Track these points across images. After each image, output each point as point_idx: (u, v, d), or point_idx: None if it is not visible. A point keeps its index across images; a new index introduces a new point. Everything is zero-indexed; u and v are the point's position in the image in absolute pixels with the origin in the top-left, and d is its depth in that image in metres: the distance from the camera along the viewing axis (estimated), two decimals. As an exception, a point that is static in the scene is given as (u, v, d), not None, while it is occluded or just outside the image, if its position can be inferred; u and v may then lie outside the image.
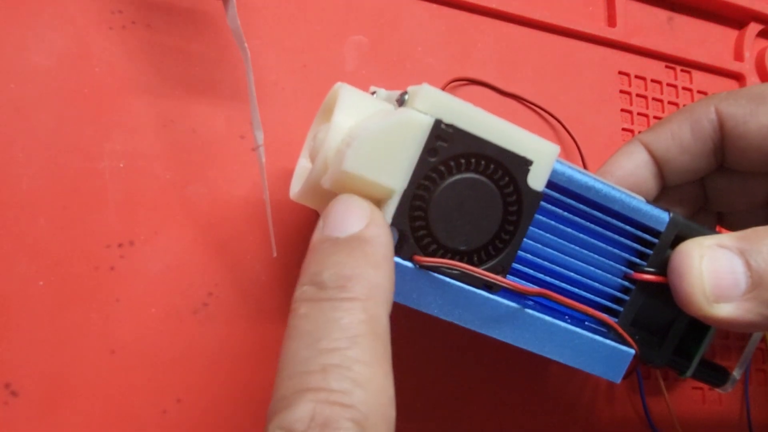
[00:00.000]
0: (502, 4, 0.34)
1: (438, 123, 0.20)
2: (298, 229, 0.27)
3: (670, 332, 0.25)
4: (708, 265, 0.21)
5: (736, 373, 0.27)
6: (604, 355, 0.23)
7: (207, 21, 0.28)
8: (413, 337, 0.28)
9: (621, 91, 0.36)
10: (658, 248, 0.24)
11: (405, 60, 0.32)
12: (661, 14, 0.39)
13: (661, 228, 0.24)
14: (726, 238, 0.21)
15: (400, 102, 0.21)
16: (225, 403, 0.25)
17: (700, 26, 0.40)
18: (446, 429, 0.29)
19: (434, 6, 0.33)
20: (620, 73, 0.37)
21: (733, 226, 0.30)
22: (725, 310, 0.20)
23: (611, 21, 0.37)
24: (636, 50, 0.37)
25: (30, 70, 0.25)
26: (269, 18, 0.29)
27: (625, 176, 0.27)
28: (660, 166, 0.28)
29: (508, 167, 0.20)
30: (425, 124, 0.20)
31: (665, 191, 0.29)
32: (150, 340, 0.24)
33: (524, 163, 0.21)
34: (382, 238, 0.18)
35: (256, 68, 0.28)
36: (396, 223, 0.20)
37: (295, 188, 0.24)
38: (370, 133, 0.19)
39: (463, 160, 0.20)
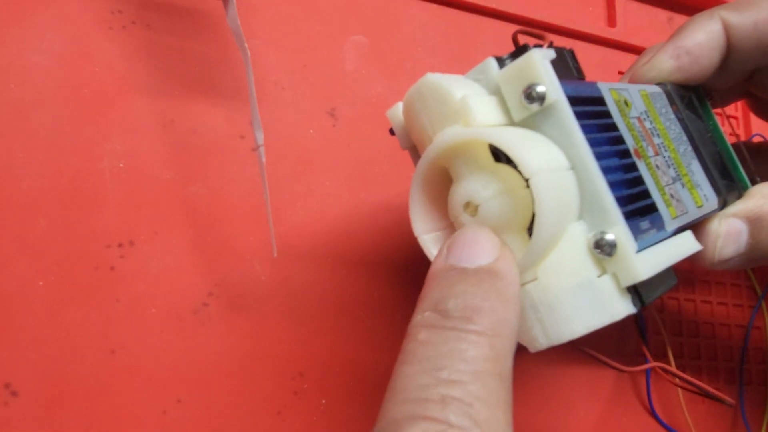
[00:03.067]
0: (502, 4, 0.34)
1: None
2: (298, 229, 0.27)
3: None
4: (724, 229, 0.25)
5: None
6: None
7: (207, 21, 0.28)
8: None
9: (621, 91, 0.36)
10: None
11: (405, 60, 0.32)
12: (661, 14, 0.39)
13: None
14: (741, 207, 0.25)
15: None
16: (225, 403, 0.25)
17: (700, 26, 0.40)
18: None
19: (434, 6, 0.33)
20: (620, 73, 0.37)
21: None
22: (724, 265, 0.25)
23: (611, 21, 0.37)
24: (636, 50, 0.37)
25: (30, 70, 0.25)
26: (269, 18, 0.29)
27: (692, 48, 0.26)
28: (731, 49, 0.27)
29: None
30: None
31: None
32: (150, 340, 0.24)
33: None
34: (513, 275, 0.17)
35: (256, 68, 0.28)
36: None
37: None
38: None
39: None
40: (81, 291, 0.24)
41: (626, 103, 0.21)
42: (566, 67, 0.20)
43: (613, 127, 0.20)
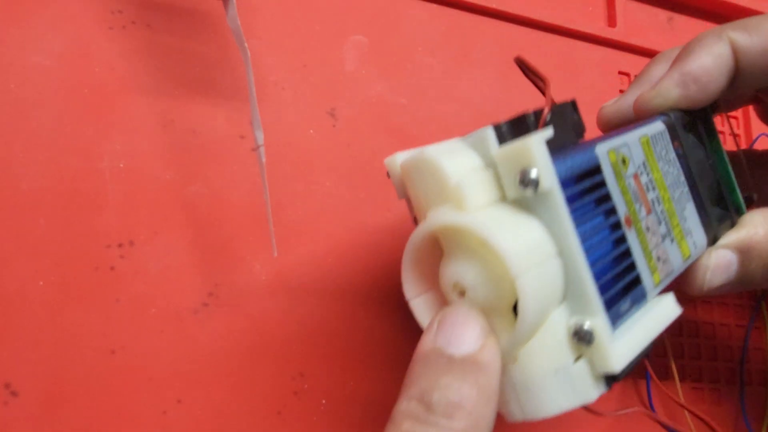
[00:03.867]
0: (502, 4, 0.34)
1: None
2: (298, 229, 0.27)
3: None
4: (713, 262, 0.25)
5: None
6: None
7: (207, 21, 0.28)
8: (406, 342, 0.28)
9: (621, 91, 0.36)
10: None
11: (405, 60, 0.32)
12: (661, 14, 0.39)
13: None
14: (733, 238, 0.26)
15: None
16: (225, 403, 0.25)
17: (700, 26, 0.40)
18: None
19: (434, 6, 0.33)
20: (620, 73, 0.37)
21: None
22: (712, 293, 0.26)
23: (611, 21, 0.37)
24: (636, 50, 0.38)
25: (30, 70, 0.25)
26: (269, 18, 0.29)
27: (699, 75, 0.26)
28: (739, 71, 0.26)
29: None
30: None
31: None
32: (150, 340, 0.24)
33: None
34: (495, 365, 0.18)
35: (256, 68, 0.28)
36: None
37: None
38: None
39: None
40: (81, 291, 0.24)
41: (624, 161, 0.21)
42: (565, 126, 0.20)
43: (607, 197, 0.20)
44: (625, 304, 0.20)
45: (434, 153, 0.19)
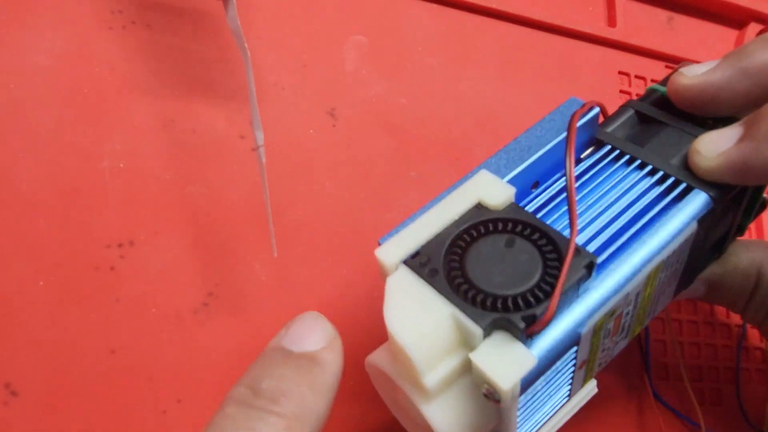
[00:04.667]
0: (502, 4, 0.34)
1: None
2: (298, 229, 0.27)
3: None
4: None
5: None
6: None
7: (207, 21, 0.28)
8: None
9: (621, 91, 0.36)
10: None
11: (405, 60, 0.32)
12: (661, 14, 0.39)
13: None
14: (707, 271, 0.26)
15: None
16: (225, 403, 0.25)
17: (700, 26, 0.40)
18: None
19: (434, 6, 0.33)
20: (620, 73, 0.37)
21: None
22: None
23: (611, 21, 0.37)
24: (636, 50, 0.38)
25: (30, 70, 0.25)
26: (269, 18, 0.29)
27: (755, 68, 0.22)
28: None
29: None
30: None
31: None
32: (150, 340, 0.24)
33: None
34: (334, 366, 0.18)
35: (256, 68, 0.28)
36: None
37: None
38: None
39: None
40: (81, 291, 0.24)
41: (611, 314, 0.20)
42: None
43: (571, 357, 0.20)
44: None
45: (417, 355, 0.18)
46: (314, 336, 0.18)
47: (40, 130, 0.24)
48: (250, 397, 0.17)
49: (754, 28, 0.40)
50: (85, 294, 0.24)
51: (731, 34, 0.41)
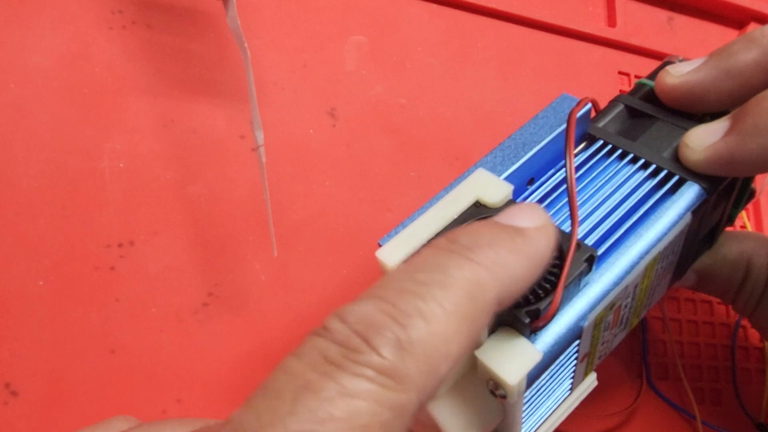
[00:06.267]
0: (502, 4, 0.34)
1: None
2: (298, 229, 0.27)
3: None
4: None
5: None
6: None
7: (207, 21, 0.28)
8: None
9: (621, 91, 0.36)
10: None
11: (405, 60, 0.32)
12: (661, 14, 0.39)
13: None
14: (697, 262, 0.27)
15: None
16: (225, 403, 0.25)
17: (700, 26, 0.40)
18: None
19: (434, 6, 0.33)
20: (620, 73, 0.37)
21: None
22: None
23: (611, 21, 0.37)
24: (636, 50, 0.38)
25: (30, 70, 0.25)
26: (269, 18, 0.29)
27: (738, 69, 0.23)
28: None
29: None
30: None
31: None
32: (150, 340, 0.24)
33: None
34: (542, 246, 0.17)
35: (256, 68, 0.28)
36: None
37: None
38: None
39: None
40: (81, 291, 0.24)
41: (610, 307, 0.21)
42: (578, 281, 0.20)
43: (573, 351, 0.20)
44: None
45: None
46: (527, 216, 0.17)
47: (40, 130, 0.24)
48: (447, 244, 0.16)
49: (753, 28, 0.40)
50: (85, 294, 0.24)
51: (731, 34, 0.41)
